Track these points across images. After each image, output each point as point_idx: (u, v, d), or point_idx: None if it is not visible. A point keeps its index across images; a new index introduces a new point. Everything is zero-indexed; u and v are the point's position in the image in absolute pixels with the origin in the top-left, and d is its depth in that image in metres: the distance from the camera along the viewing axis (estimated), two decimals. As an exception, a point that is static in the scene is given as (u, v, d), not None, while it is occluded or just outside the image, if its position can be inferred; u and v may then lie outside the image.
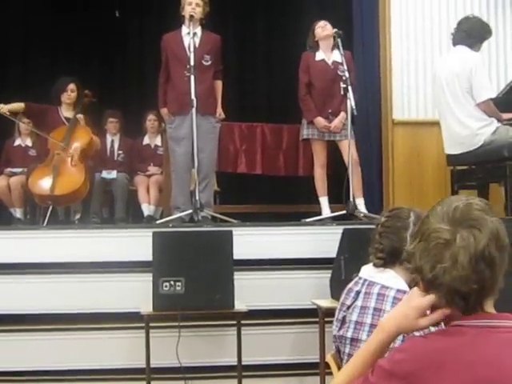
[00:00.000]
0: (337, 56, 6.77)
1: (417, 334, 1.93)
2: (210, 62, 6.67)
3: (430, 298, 1.85)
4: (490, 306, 1.84)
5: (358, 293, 3.02)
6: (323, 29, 6.92)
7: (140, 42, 10.35)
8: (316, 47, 6.99)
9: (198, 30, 6.66)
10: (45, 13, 9.94)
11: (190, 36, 6.46)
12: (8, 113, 7.14)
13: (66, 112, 7.48)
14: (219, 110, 6.84)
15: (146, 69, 9.76)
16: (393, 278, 2.87)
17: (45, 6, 9.92)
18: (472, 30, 6.22)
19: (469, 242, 1.77)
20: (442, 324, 1.90)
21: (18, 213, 7.92)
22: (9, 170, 8.16)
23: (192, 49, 6.34)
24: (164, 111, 6.87)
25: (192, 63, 6.26)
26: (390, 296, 2.86)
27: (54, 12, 9.91)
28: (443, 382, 1.74)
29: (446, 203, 1.86)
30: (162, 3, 9.36)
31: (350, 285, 3.11)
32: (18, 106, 7.20)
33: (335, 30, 6.84)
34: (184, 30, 6.69)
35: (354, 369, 1.98)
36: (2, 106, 7.03)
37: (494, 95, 6.11)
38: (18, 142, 8.49)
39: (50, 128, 7.30)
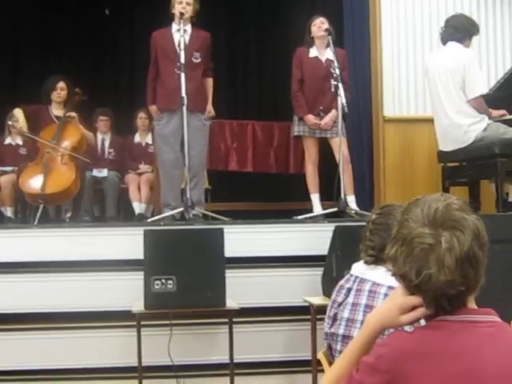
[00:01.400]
0: (330, 54, 6.75)
1: (407, 328, 1.94)
2: (199, 60, 6.66)
3: (416, 299, 1.85)
4: (471, 302, 1.86)
5: (349, 290, 3.02)
6: (319, 28, 6.88)
7: (130, 40, 10.32)
8: (311, 43, 6.98)
9: (188, 28, 6.65)
10: (34, 11, 9.92)
11: (180, 33, 6.44)
12: (27, 131, 7.19)
13: (56, 110, 7.45)
14: (209, 107, 6.83)
15: (136, 66, 9.74)
16: (384, 275, 2.86)
17: (34, 5, 9.89)
18: (459, 25, 6.24)
19: (453, 245, 1.76)
20: (423, 321, 1.91)
21: (8, 212, 7.90)
22: (-1, 168, 8.14)
23: (182, 46, 6.33)
24: (153, 108, 6.85)
25: (182, 61, 6.25)
26: (381, 293, 2.86)
27: (43, 10, 9.89)
28: (427, 374, 1.76)
29: (423, 204, 1.84)
30: (151, 0, 9.36)
31: (342, 282, 3.11)
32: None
33: (326, 27, 6.83)
34: (174, 27, 6.68)
35: (342, 365, 2.00)
36: (20, 126, 7.04)
37: (486, 91, 6.11)
38: (8, 140, 8.46)
39: (40, 127, 7.28)
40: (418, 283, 1.79)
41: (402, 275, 1.84)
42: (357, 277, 3.02)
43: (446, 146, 6.22)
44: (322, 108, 6.82)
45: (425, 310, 1.84)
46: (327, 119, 6.79)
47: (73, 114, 7.33)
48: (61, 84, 7.48)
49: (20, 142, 8.38)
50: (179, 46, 6.37)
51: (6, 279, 5.49)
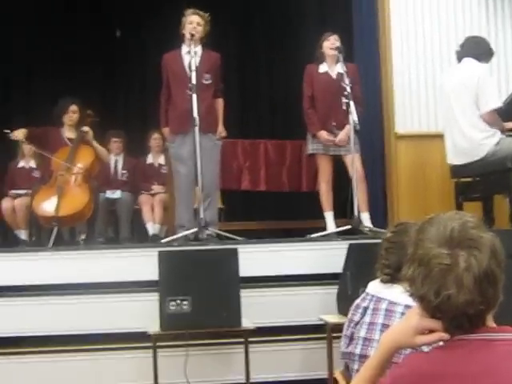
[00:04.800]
0: (341, 68, 6.75)
1: (425, 348, 1.92)
2: (210, 81, 6.67)
3: (431, 322, 1.83)
4: (490, 320, 1.84)
5: (365, 309, 3.01)
6: (332, 45, 6.88)
7: (141, 60, 10.36)
8: (322, 59, 6.99)
9: (199, 49, 6.66)
10: (46, 33, 9.98)
11: (191, 55, 6.47)
12: (24, 139, 7.21)
13: (68, 133, 7.47)
14: (221, 128, 6.85)
15: (147, 88, 9.78)
16: (400, 294, 2.84)
17: (46, 27, 9.96)
18: (477, 44, 6.28)
19: (471, 264, 1.75)
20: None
21: (23, 234, 7.92)
22: (13, 191, 8.17)
23: (193, 68, 6.35)
24: (166, 130, 6.88)
25: (194, 82, 6.26)
26: (397, 312, 2.85)
27: (55, 32, 9.95)
28: None
29: (439, 224, 1.83)
30: (162, 22, 9.40)
31: (358, 301, 3.10)
32: (23, 131, 7.22)
33: (337, 45, 6.82)
34: (184, 48, 6.71)
35: None
36: (17, 133, 7.09)
37: (499, 105, 6.08)
38: (21, 163, 8.51)
39: (52, 149, 7.30)
40: (438, 304, 1.78)
41: (420, 296, 1.82)
42: (373, 296, 3.01)
43: (458, 159, 6.20)
44: (334, 124, 6.80)
45: (441, 335, 1.82)
46: (342, 136, 6.76)
47: (86, 128, 7.36)
48: (73, 107, 7.50)
49: (33, 165, 8.43)
50: (190, 67, 6.39)
51: (21, 302, 5.50)
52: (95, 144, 7.44)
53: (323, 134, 6.82)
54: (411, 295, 1.87)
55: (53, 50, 10.07)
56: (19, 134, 7.09)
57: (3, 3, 9.04)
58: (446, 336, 1.82)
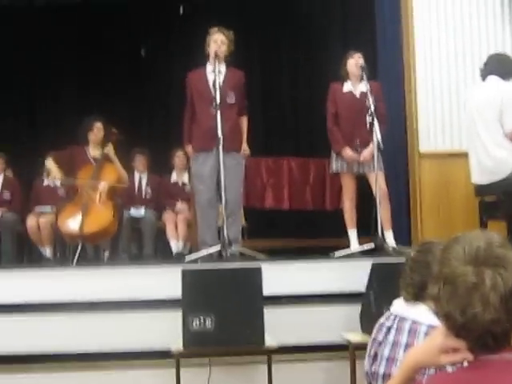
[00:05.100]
0: (364, 87, 6.75)
1: (449, 369, 1.91)
2: (234, 99, 6.69)
3: (457, 342, 1.82)
4: None
5: (389, 328, 3.00)
6: (356, 65, 6.89)
7: (166, 79, 10.42)
8: (346, 77, 7.00)
9: (223, 68, 6.70)
10: (72, 52, 10.07)
11: (215, 73, 6.48)
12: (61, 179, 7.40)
13: (93, 151, 7.54)
14: (244, 146, 6.86)
15: (172, 106, 9.84)
16: (424, 313, 2.84)
17: (71, 46, 10.06)
18: (503, 62, 6.26)
19: (497, 283, 1.74)
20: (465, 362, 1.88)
21: (47, 251, 7.97)
22: (38, 208, 8.22)
23: (217, 86, 6.37)
24: (189, 147, 6.90)
25: (218, 101, 6.28)
26: (421, 331, 2.83)
27: (80, 51, 10.04)
28: None
29: (464, 242, 1.83)
30: (187, 40, 9.46)
31: (381, 320, 3.09)
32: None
33: (362, 63, 6.84)
34: (208, 67, 6.73)
35: None
36: (53, 176, 7.41)
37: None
38: (46, 181, 8.56)
39: (77, 168, 7.36)
40: (463, 323, 1.77)
41: (445, 315, 1.82)
42: (397, 315, 3.00)
43: (482, 178, 6.17)
44: (358, 142, 6.79)
45: (466, 354, 1.82)
46: (366, 154, 6.76)
47: (109, 147, 7.44)
48: (98, 124, 7.58)
49: (58, 183, 8.47)
50: (214, 86, 6.41)
51: (46, 319, 5.52)
52: (118, 165, 7.49)
53: (347, 151, 6.82)
54: (436, 314, 1.86)
55: (78, 71, 10.16)
56: (56, 176, 7.28)
57: (28, 27, 9.15)
58: (470, 356, 1.81)
